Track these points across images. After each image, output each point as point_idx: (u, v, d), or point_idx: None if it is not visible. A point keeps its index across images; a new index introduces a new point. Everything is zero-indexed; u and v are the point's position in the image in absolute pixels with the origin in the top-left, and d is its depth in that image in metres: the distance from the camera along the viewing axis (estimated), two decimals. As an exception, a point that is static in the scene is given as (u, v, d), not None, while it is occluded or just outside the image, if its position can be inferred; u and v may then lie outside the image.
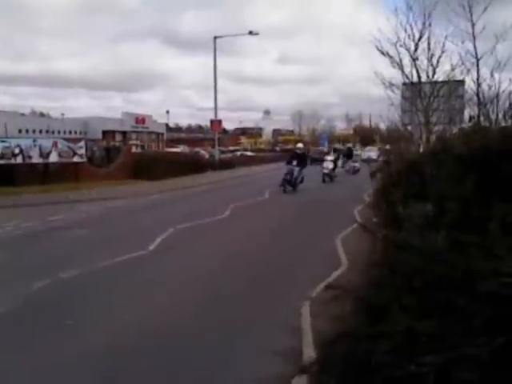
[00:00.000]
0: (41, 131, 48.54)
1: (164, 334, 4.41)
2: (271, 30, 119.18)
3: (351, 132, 77.19)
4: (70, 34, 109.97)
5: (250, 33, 30.34)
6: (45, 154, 20.61)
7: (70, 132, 52.67)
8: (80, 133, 52.44)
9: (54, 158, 20.85)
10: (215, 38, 30.42)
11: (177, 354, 3.97)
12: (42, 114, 64.92)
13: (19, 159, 19.88)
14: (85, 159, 22.05)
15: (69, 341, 4.27)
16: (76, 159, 21.62)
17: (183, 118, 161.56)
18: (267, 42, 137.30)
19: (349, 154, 28.19)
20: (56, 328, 4.57)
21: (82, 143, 22.79)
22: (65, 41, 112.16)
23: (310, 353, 3.37)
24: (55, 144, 21.31)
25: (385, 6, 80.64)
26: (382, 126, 45.69)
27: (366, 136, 70.87)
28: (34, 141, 21.28)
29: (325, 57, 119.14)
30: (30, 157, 20.14)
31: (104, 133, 52.28)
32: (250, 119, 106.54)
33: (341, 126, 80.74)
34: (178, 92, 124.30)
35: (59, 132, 50.42)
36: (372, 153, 39.57)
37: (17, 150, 19.89)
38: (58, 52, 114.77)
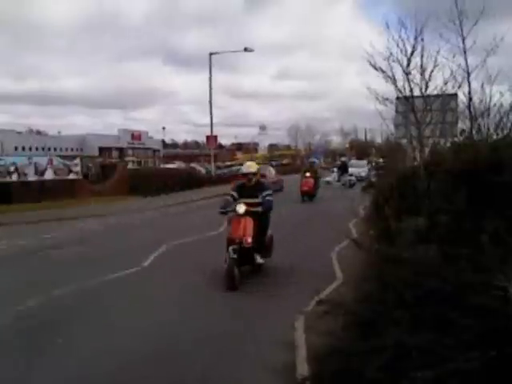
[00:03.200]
0: (37, 148, 48.56)
1: (159, 349, 4.36)
2: (269, 47, 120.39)
3: (347, 146, 77.56)
4: (71, 53, 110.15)
5: (245, 49, 30.64)
6: (40, 172, 20.63)
7: (67, 149, 52.71)
8: (76, 150, 52.54)
9: (49, 175, 20.86)
10: (210, 54, 30.76)
11: (167, 368, 3.93)
12: (38, 132, 64.98)
13: (14, 177, 19.87)
14: (80, 176, 22.07)
15: (57, 359, 4.22)
16: (71, 176, 21.65)
17: (181, 134, 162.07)
18: (265, 58, 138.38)
19: (344, 168, 28.31)
20: (46, 346, 4.52)
21: (78, 160, 22.84)
22: (65, 59, 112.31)
23: (303, 368, 3.34)
24: (50, 161, 21.36)
25: (379, 22, 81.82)
26: (377, 140, 45.44)
27: (361, 150, 71.18)
28: (30, 158, 21.34)
29: (321, 72, 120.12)
30: (25, 174, 20.15)
31: (100, 149, 52.40)
32: (247, 134, 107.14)
33: (336, 140, 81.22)
34: (176, 109, 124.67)
35: (55, 149, 50.44)
36: (361, 169, 32.16)
37: (12, 168, 19.91)
38: (58, 70, 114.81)
